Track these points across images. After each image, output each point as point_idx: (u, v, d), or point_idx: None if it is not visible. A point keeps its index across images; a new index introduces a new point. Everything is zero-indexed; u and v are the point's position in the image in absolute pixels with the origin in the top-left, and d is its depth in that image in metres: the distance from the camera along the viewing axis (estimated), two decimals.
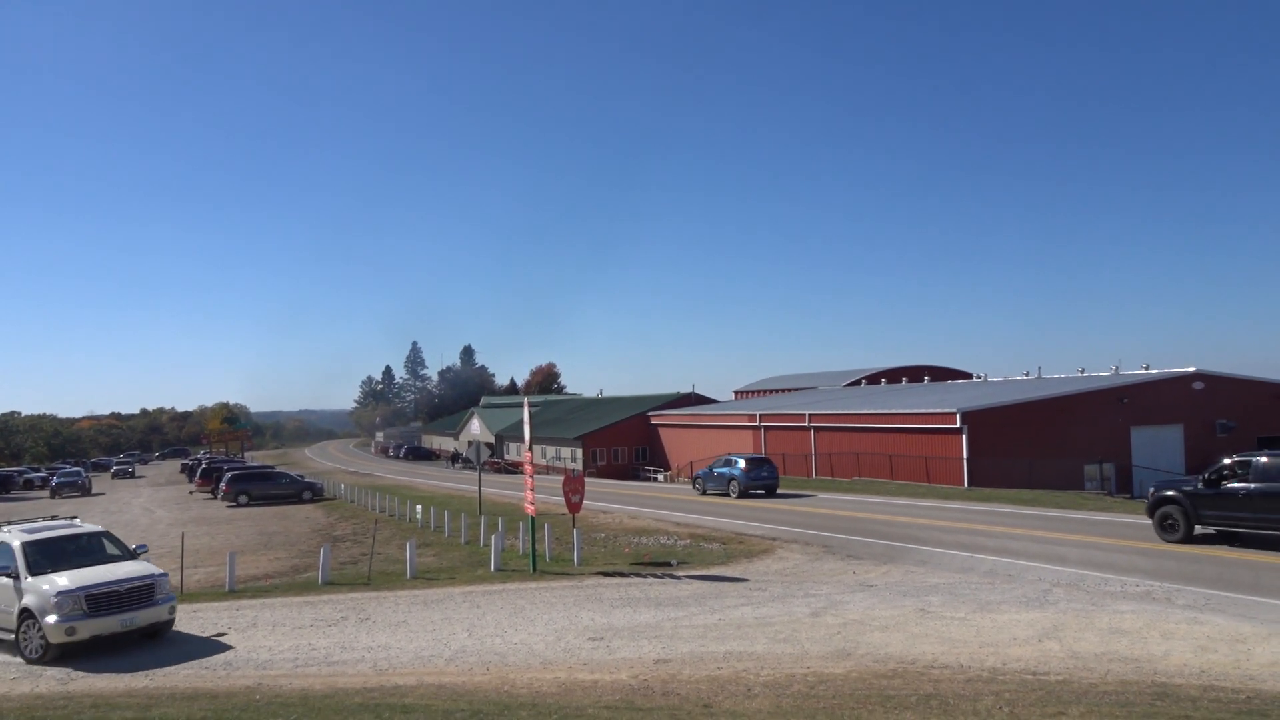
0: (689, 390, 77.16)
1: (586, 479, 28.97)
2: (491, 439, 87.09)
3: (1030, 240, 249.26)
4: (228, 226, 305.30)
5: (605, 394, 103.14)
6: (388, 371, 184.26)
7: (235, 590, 20.18)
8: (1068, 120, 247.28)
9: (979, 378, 65.82)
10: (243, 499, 45.69)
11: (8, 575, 14.45)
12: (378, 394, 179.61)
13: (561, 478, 24.13)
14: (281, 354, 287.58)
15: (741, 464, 38.89)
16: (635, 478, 64.98)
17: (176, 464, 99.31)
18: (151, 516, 42.22)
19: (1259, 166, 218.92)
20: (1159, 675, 10.93)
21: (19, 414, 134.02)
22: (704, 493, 41.66)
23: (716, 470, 40.82)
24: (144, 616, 14.42)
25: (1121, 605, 15.00)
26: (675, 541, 25.08)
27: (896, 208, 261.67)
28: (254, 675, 12.71)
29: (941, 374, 77.59)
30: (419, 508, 32.71)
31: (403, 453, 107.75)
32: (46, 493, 63.60)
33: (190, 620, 16.99)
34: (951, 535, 23.78)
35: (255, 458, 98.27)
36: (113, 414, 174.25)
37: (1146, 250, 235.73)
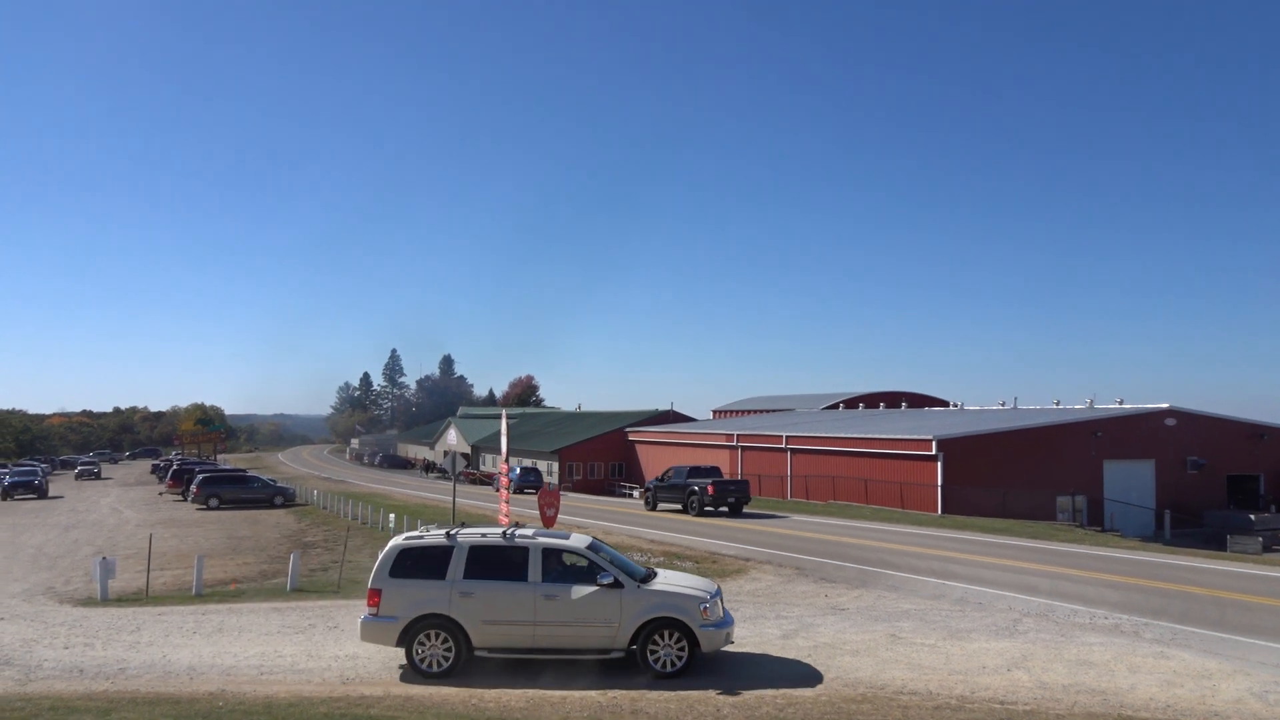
0: (667, 408, 77.23)
1: (562, 493, 28.85)
2: (468, 449, 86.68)
3: (1010, 273, 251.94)
4: (214, 230, 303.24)
5: (584, 409, 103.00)
6: (365, 379, 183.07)
7: (202, 594, 19.94)
8: (1052, 155, 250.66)
9: (955, 406, 66.28)
10: (213, 502, 45.19)
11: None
12: (355, 401, 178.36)
13: (537, 491, 24.02)
14: (263, 358, 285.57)
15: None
16: (611, 494, 64.84)
17: (147, 464, 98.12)
18: (120, 517, 41.66)
19: (1243, 207, 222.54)
20: (1125, 709, 10.99)
21: None
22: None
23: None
24: None
25: (1090, 637, 15.08)
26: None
27: (878, 237, 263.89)
28: (218, 681, 12.55)
29: (918, 401, 78.02)
30: (392, 516, 32.47)
31: (378, 460, 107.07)
32: None
33: (156, 622, 16.76)
34: (924, 561, 23.86)
35: (228, 461, 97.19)
36: (84, 411, 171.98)
37: (1124, 287, 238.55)
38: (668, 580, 13.51)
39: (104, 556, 21.61)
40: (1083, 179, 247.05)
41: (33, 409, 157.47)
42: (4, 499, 52.74)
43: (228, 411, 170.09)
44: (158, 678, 12.83)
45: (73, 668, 13.51)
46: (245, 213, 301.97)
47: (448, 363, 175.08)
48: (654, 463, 66.71)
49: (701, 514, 37.06)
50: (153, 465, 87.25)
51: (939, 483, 40.29)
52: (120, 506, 47.59)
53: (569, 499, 45.54)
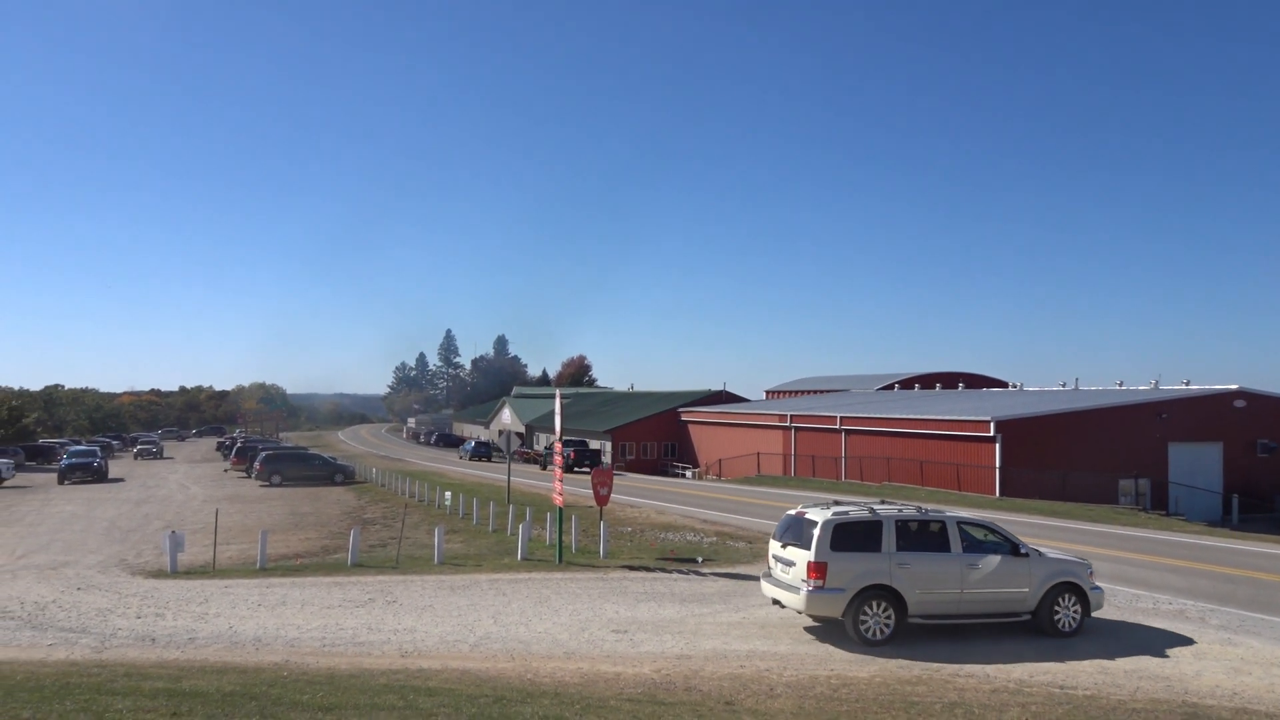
0: (720, 388, 77.03)
1: (615, 473, 29.01)
2: (522, 429, 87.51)
3: (1073, 254, 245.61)
4: (271, 215, 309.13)
5: (636, 389, 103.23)
6: (421, 358, 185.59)
7: (266, 568, 20.46)
8: (1119, 134, 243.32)
9: (1014, 387, 65.05)
10: (276, 479, 46.25)
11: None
12: (411, 380, 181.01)
13: (590, 470, 24.18)
14: (320, 337, 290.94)
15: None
16: (664, 474, 65.02)
17: (212, 442, 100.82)
18: (187, 492, 42.91)
19: None
20: (1190, 695, 10.77)
21: (62, 387, 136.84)
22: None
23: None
24: None
25: (1153, 622, 14.78)
26: (701, 539, 25.08)
27: (938, 215, 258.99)
28: (283, 652, 12.91)
29: (976, 381, 76.76)
30: (448, 494, 32.96)
31: (434, 439, 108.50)
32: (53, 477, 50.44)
33: (222, 595, 17.28)
34: None
35: (289, 439, 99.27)
36: (153, 390, 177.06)
37: (1192, 267, 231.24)
38: (1044, 551, 14.59)
39: (173, 530, 22.31)
40: (1149, 159, 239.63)
41: (104, 388, 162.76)
42: (61, 482, 47.16)
43: (289, 391, 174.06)
44: (225, 648, 13.24)
45: (145, 636, 14.00)
46: (297, 200, 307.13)
47: (502, 343, 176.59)
48: (707, 443, 66.70)
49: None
50: (218, 443, 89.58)
51: (997, 465, 39.65)
52: (187, 483, 49.01)
53: (622, 478, 45.80)
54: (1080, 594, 13.81)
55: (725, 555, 22.24)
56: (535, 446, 79.21)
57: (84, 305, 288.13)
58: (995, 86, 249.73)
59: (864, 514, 13.65)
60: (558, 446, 23.11)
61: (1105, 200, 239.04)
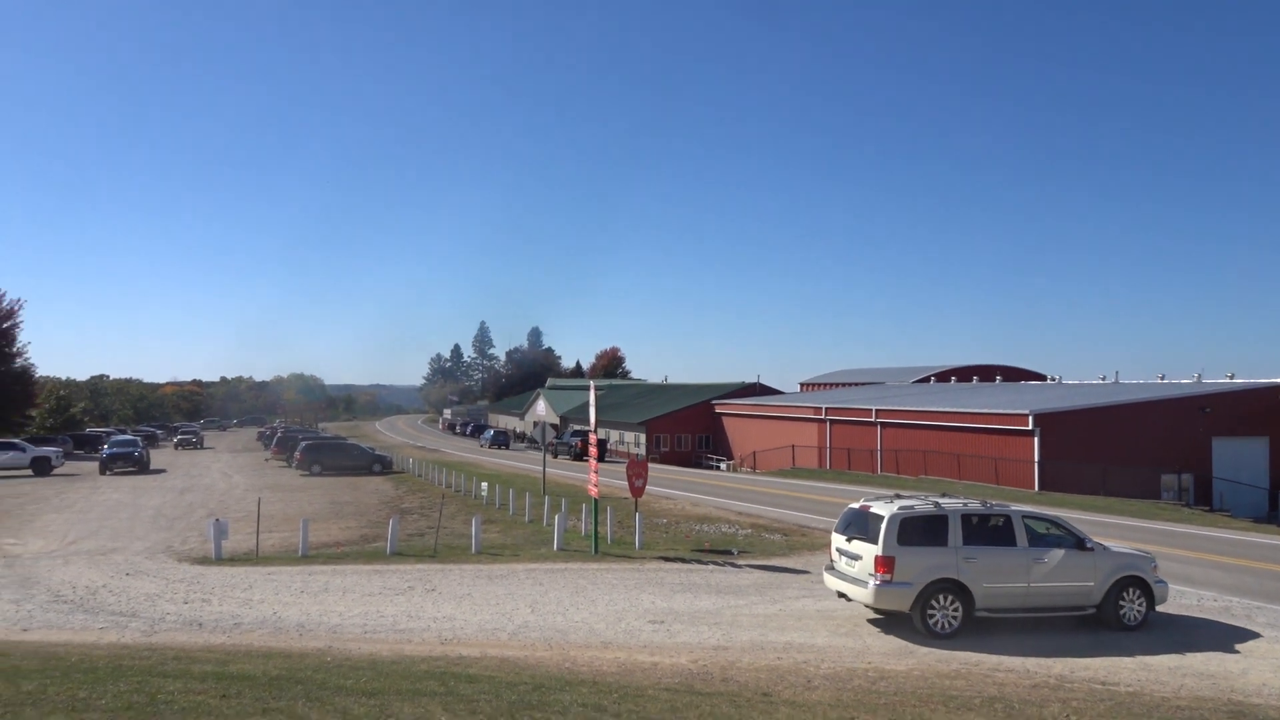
0: (754, 380, 76.82)
1: (649, 465, 29.09)
2: (556, 420, 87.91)
3: (1113, 245, 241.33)
4: (312, 204, 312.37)
5: (670, 380, 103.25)
6: (456, 350, 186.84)
7: (308, 556, 20.78)
8: (1148, 129, 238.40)
9: (1053, 380, 64.21)
10: (315, 468, 46.91)
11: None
12: (446, 372, 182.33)
13: (625, 462, 24.28)
14: (360, 330, 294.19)
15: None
16: (698, 466, 65.02)
17: (253, 432, 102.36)
18: (229, 481, 43.66)
19: None
20: (1235, 693, 10.61)
21: (107, 377, 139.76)
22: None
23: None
24: None
25: (1198, 619, 14.57)
26: (737, 531, 25.08)
27: (973, 206, 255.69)
28: (325, 638, 13.13)
29: (1014, 374, 75.87)
30: (484, 485, 33.22)
31: (469, 430, 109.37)
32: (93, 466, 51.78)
33: (266, 581, 17.60)
34: None
35: (327, 429, 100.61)
36: (194, 381, 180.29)
37: (1234, 259, 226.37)
38: (1109, 545, 14.53)
39: (217, 518, 22.72)
40: (1188, 152, 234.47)
41: (148, 378, 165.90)
42: (103, 472, 47.10)
43: (326, 381, 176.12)
44: (269, 633, 13.49)
45: (192, 621, 14.31)
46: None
47: (536, 334, 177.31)
48: (741, 435, 66.58)
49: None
50: (258, 433, 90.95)
51: (1035, 458, 39.21)
52: (230, 472, 49.85)
53: (656, 470, 45.86)
54: (1145, 588, 13.75)
55: (761, 548, 22.23)
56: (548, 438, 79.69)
57: (129, 300, 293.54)
58: (1028, 79, 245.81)
59: (929, 508, 13.63)
60: (593, 438, 23.23)
61: (1148, 193, 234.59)
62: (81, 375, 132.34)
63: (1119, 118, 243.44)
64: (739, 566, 19.52)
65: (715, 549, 21.82)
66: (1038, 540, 13.76)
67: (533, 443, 68.93)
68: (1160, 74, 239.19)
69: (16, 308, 76.04)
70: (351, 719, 7.62)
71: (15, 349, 75.85)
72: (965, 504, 14.06)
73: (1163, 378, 50.57)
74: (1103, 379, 55.60)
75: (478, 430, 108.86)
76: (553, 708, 8.41)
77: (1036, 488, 38.38)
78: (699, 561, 20.07)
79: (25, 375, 77.54)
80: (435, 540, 22.64)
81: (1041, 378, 72.28)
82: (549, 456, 63.30)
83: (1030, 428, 39.62)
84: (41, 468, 47.85)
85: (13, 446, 49.75)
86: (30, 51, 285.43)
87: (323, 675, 9.86)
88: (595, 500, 21.88)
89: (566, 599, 15.97)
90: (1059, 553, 13.59)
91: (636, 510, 23.23)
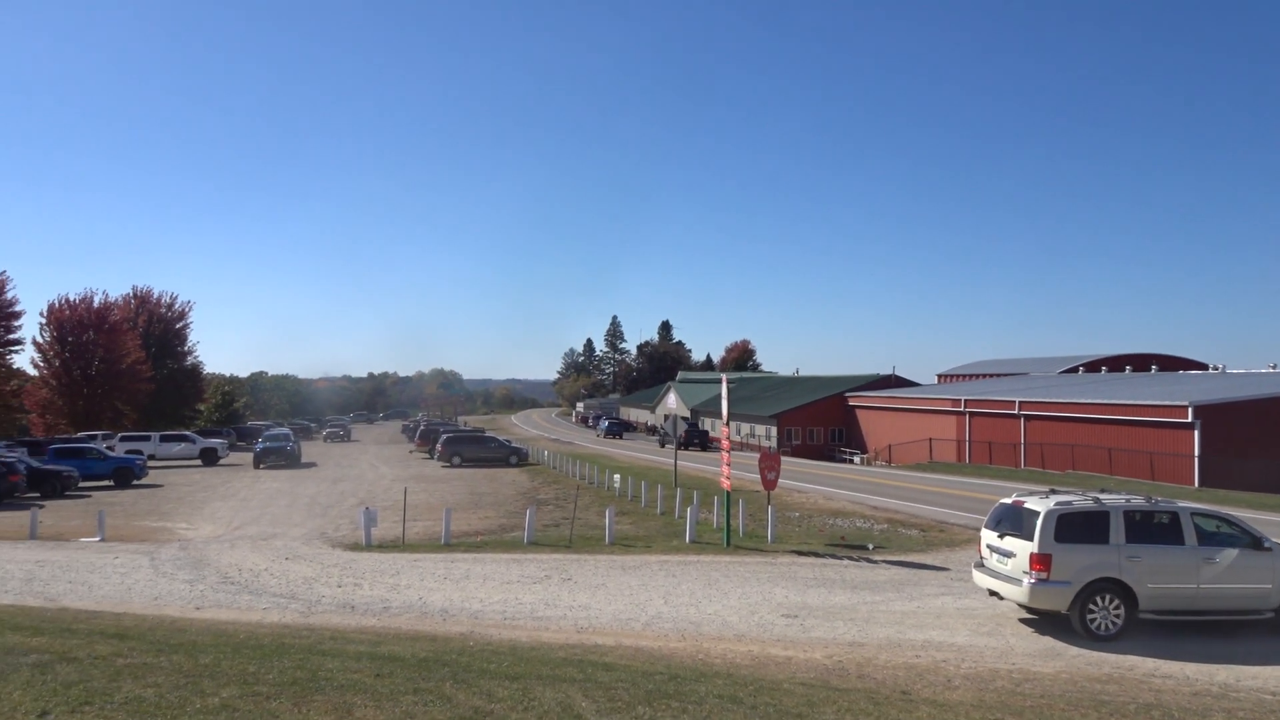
0: (889, 372, 74.99)
1: (781, 458, 28.85)
2: (688, 413, 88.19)
3: (1274, 222, 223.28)
4: (453, 209, 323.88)
5: (801, 373, 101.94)
6: (588, 344, 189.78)
7: (450, 544, 21.61)
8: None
9: (1215, 369, 60.05)
10: (456, 460, 48.66)
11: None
12: (579, 366, 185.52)
13: (756, 455, 24.18)
14: (497, 326, 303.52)
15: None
16: (830, 459, 64.03)
17: (398, 425, 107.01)
18: (377, 472, 45.81)
19: None
20: None
21: (266, 374, 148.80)
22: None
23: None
24: None
25: None
26: (872, 525, 24.60)
27: (1127, 184, 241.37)
28: (467, 623, 13.66)
29: (1171, 363, 71.41)
30: (616, 477, 33.71)
31: (589, 422, 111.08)
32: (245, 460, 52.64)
33: (412, 568, 18.43)
34: None
35: (467, 422, 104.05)
36: (344, 376, 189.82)
37: None
38: None
39: (367, 507, 23.95)
40: None
41: (301, 374, 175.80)
42: (256, 467, 47.61)
43: (465, 376, 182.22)
44: (416, 617, 14.14)
45: (345, 604, 15.14)
46: (475, 194, 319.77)
47: (666, 328, 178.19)
48: (875, 428, 65.14)
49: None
50: (402, 426, 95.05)
51: (1195, 453, 36.83)
52: (377, 463, 52.29)
53: (788, 463, 45.41)
54: None
55: (897, 543, 21.75)
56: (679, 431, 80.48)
57: (284, 300, 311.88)
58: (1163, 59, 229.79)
59: (1088, 504, 13.09)
60: (725, 431, 23.23)
61: None
62: (243, 372, 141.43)
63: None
64: (874, 562, 19.16)
65: (850, 544, 21.48)
66: (1208, 539, 12.99)
67: (650, 432, 72.14)
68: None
69: (187, 310, 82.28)
70: (496, 701, 7.92)
71: (186, 348, 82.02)
72: (1128, 499, 13.37)
73: None
74: (1272, 367, 51.67)
75: (596, 421, 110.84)
76: (689, 698, 8.50)
77: (1196, 484, 36.08)
78: (833, 556, 19.82)
79: (195, 372, 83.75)
80: (570, 531, 23.15)
81: (1203, 367, 67.72)
82: (657, 445, 67.98)
83: (1189, 420, 37.26)
84: (209, 458, 51.48)
85: (184, 439, 53.77)
86: (177, 60, 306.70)
87: (467, 659, 10.27)
88: (727, 493, 21.90)
89: (699, 591, 16.07)
90: (1232, 552, 12.83)
91: (769, 503, 23.11)
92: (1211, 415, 37.18)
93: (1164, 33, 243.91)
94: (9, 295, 60.58)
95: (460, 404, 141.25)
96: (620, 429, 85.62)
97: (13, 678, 7.79)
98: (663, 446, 66.25)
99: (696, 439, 65.47)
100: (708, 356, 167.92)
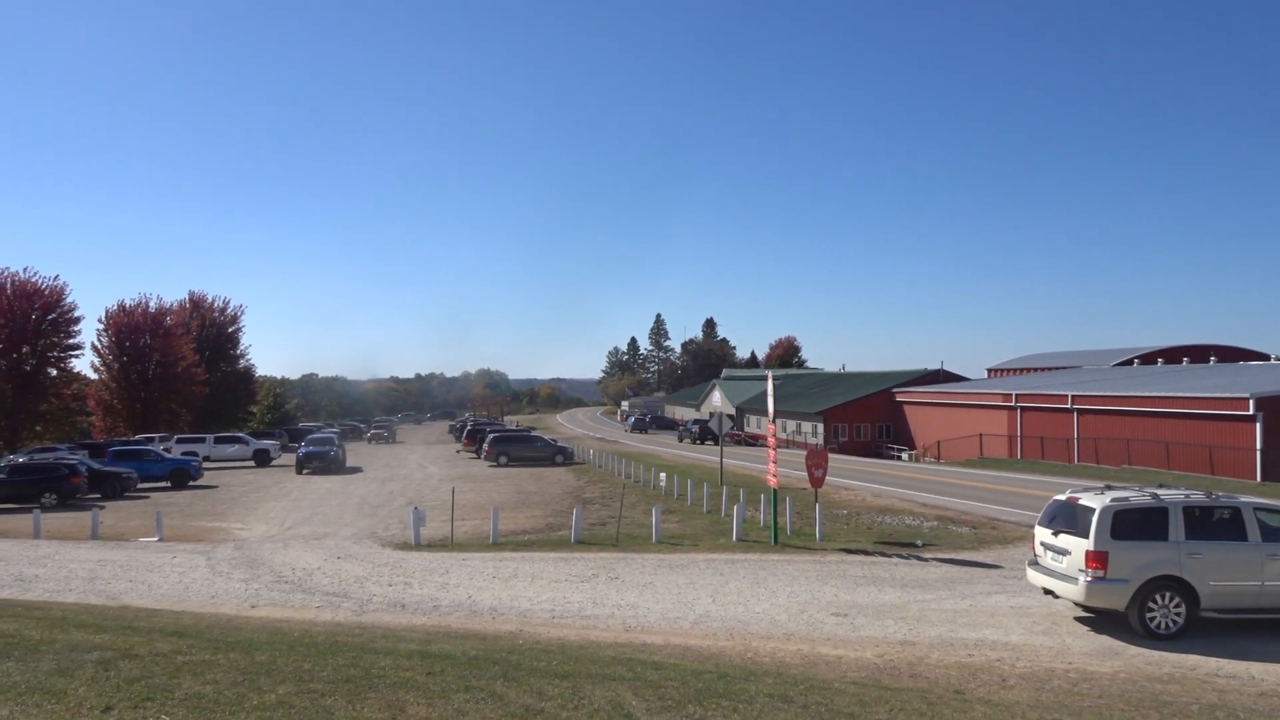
0: (937, 367, 74.02)
1: (829, 454, 28.63)
2: (732, 411, 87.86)
3: None
4: (496, 208, 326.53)
5: (847, 369, 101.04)
6: (633, 343, 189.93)
7: (498, 543, 21.77)
8: None
9: (1277, 359, 58.34)
10: (503, 459, 49.00)
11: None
12: (623, 364, 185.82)
13: (803, 452, 24.00)
14: (541, 326, 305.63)
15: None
16: (878, 455, 63.37)
17: (444, 425, 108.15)
18: (425, 471, 46.32)
19: None
20: None
21: (316, 376, 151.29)
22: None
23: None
24: None
25: None
26: (921, 523, 24.31)
27: (1175, 174, 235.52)
28: (516, 622, 13.74)
29: (1231, 354, 69.53)
30: (663, 475, 33.69)
31: (628, 421, 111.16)
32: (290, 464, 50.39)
33: (460, 567, 18.59)
34: None
35: (514, 421, 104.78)
36: (391, 377, 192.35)
37: None
38: None
39: (415, 506, 24.21)
40: None
41: (350, 376, 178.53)
42: (299, 472, 45.30)
43: (510, 376, 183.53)
44: (465, 616, 14.26)
45: (396, 603, 15.32)
46: (514, 194, 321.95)
47: (710, 325, 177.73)
48: (924, 424, 64.35)
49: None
50: (449, 426, 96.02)
51: (1258, 446, 35.82)
52: (424, 463, 52.86)
53: (835, 460, 45.02)
54: None
55: (947, 540, 21.46)
56: (747, 428, 79.95)
57: (334, 302, 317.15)
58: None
59: (1146, 499, 12.79)
60: (770, 429, 23.10)
61: None
62: (293, 374, 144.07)
63: None
64: (925, 560, 18.93)
65: (899, 541, 21.24)
66: (1272, 535, 12.61)
67: (685, 429, 75.22)
68: None
69: (239, 314, 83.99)
70: (546, 699, 7.94)
71: (239, 351, 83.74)
72: (1187, 495, 13.02)
73: None
74: None
75: (655, 422, 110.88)
76: (739, 697, 8.46)
77: (1259, 478, 35.10)
78: (882, 554, 19.61)
79: (247, 375, 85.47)
80: (617, 529, 23.18)
81: (1264, 358, 65.87)
82: (676, 441, 69.75)
83: (1251, 412, 36.25)
84: (262, 459, 52.44)
85: (238, 440, 54.83)
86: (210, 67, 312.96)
87: (516, 657, 10.33)
88: (774, 491, 21.77)
89: (747, 589, 16.00)
90: None
91: (817, 501, 22.94)
92: (1274, 407, 36.13)
93: (1215, 16, 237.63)
94: (67, 302, 62.32)
95: (506, 403, 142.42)
96: (644, 424, 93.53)
97: (78, 674, 8.00)
98: (680, 441, 70.36)
99: (710, 437, 67.19)
100: (752, 353, 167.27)
